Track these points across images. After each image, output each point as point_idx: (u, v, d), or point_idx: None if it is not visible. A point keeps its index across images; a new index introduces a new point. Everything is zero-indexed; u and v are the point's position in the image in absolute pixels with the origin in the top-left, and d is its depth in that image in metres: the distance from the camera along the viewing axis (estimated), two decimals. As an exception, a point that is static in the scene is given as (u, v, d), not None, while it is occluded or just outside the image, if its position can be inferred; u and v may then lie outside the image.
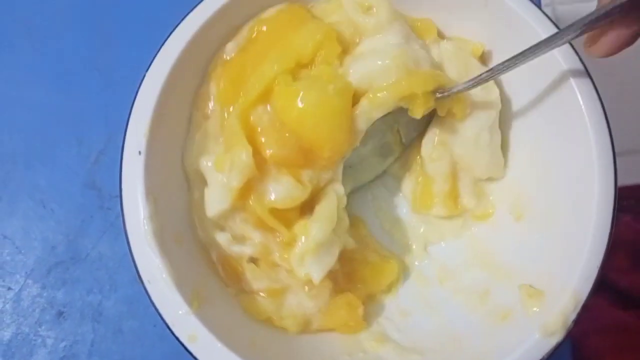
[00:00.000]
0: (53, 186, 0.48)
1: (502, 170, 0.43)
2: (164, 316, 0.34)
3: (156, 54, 0.38)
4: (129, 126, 0.37)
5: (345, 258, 0.41)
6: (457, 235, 0.45)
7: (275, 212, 0.37)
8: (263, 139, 0.37)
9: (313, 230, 0.37)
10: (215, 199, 0.38)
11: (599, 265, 0.34)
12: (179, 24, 0.38)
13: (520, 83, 0.42)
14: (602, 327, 0.62)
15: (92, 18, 0.52)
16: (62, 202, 0.48)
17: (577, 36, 0.33)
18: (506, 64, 0.36)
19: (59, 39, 0.52)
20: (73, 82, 0.51)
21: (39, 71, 0.51)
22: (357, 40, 0.41)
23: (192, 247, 0.39)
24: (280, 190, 0.37)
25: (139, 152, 0.36)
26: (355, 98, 0.38)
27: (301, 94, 0.37)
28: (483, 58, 0.44)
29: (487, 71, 0.38)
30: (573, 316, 0.34)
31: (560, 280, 0.35)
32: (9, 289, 0.46)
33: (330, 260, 0.38)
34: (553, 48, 0.35)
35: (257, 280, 0.40)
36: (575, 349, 0.45)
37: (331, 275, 0.40)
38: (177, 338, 0.34)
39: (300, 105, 0.36)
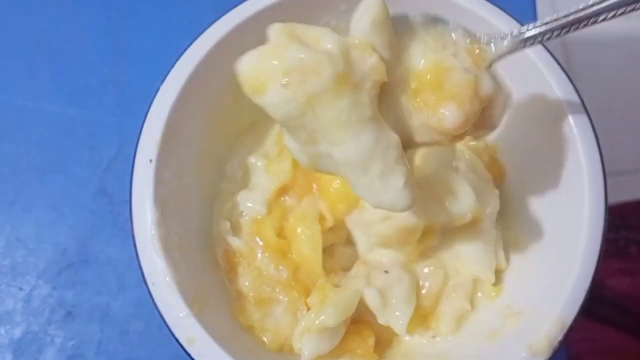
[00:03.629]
0: (65, 192, 0.50)
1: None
2: (165, 318, 0.35)
3: (172, 67, 0.39)
4: (142, 135, 0.38)
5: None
6: None
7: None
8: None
9: (324, 314, 0.37)
10: None
11: (586, 289, 0.34)
12: (196, 38, 0.39)
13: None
14: (598, 348, 0.62)
15: (109, 35, 0.54)
16: (73, 207, 0.50)
17: None
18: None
19: (76, 55, 0.54)
20: (87, 94, 0.53)
21: (54, 85, 0.53)
22: None
23: (197, 254, 0.40)
24: None
25: (150, 161, 0.37)
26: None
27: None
28: None
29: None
30: (559, 337, 0.34)
31: (546, 303, 0.35)
32: (20, 289, 0.48)
33: (327, 346, 0.38)
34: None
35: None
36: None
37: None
38: (176, 340, 0.35)
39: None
